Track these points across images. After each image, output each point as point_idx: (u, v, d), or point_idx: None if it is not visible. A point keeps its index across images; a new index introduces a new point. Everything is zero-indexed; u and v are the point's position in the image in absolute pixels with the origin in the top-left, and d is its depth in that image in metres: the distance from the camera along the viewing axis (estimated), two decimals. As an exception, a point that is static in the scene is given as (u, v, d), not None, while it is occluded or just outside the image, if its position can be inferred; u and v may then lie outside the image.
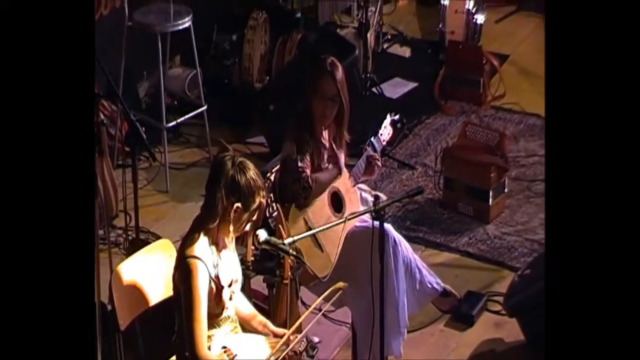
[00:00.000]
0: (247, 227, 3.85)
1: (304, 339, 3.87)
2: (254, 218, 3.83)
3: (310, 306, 4.32)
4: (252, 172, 3.77)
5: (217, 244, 3.81)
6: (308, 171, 4.51)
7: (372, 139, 4.86)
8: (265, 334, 4.00)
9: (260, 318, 4.06)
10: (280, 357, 3.74)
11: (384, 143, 4.94)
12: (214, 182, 3.76)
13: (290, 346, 3.76)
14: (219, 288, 3.77)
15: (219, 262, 3.79)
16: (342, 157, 4.74)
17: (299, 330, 3.87)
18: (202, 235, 3.76)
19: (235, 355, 3.77)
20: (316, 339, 3.96)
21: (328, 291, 3.83)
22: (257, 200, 3.77)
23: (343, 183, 4.72)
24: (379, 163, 4.84)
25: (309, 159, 4.54)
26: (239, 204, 3.74)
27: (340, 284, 3.83)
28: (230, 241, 3.90)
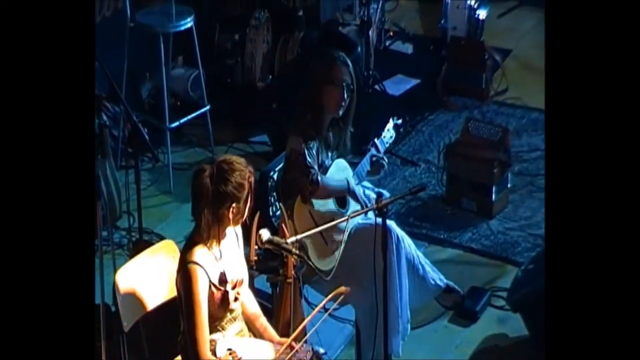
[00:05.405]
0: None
1: (310, 350, 3.88)
2: (249, 202, 3.77)
3: (314, 305, 4.33)
4: (236, 172, 3.69)
5: (220, 243, 3.80)
6: (316, 170, 4.48)
7: (376, 140, 4.86)
8: (268, 339, 3.99)
9: (263, 320, 4.04)
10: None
11: (387, 145, 4.94)
12: (198, 206, 3.71)
13: (293, 352, 3.77)
14: (224, 292, 3.78)
15: (222, 265, 3.79)
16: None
17: (302, 335, 3.87)
18: (202, 242, 3.75)
19: (241, 357, 3.77)
20: (322, 350, 3.95)
21: (331, 295, 3.83)
22: (247, 188, 3.71)
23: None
24: (385, 162, 4.83)
25: (315, 153, 4.53)
26: (233, 205, 3.72)
27: (343, 289, 3.81)
28: (235, 239, 3.90)
